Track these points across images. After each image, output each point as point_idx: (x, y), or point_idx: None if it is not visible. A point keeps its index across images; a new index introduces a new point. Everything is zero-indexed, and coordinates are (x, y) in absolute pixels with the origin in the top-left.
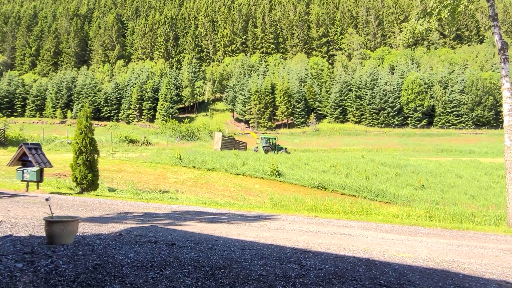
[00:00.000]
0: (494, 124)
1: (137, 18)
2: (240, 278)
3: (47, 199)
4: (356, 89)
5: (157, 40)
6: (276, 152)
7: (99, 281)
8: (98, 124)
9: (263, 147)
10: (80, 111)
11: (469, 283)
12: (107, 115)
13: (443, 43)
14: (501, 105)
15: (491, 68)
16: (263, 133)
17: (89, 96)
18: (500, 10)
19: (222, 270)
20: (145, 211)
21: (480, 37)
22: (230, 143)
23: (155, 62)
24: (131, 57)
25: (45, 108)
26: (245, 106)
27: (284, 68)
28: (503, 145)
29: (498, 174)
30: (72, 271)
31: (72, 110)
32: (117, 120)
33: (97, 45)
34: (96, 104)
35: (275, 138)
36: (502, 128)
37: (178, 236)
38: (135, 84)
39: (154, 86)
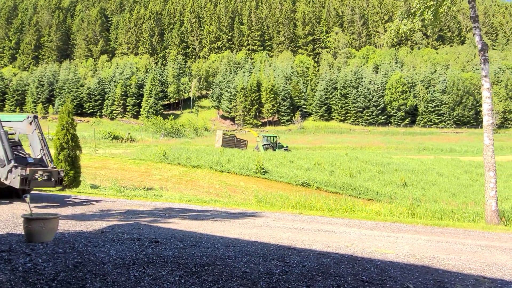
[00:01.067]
0: (474, 124)
1: (122, 13)
2: (224, 275)
3: (25, 196)
4: (341, 88)
5: (142, 35)
6: (276, 150)
7: (79, 279)
8: (80, 120)
9: (263, 145)
10: (62, 106)
11: (448, 278)
12: (90, 111)
13: (426, 44)
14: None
15: (472, 69)
16: (264, 131)
17: (72, 91)
18: (481, 12)
19: (205, 267)
20: (128, 208)
21: (462, 38)
22: (231, 141)
23: (140, 58)
24: (115, 52)
25: (26, 103)
26: (230, 103)
27: (270, 65)
28: (482, 144)
29: (477, 172)
30: (52, 270)
31: (53, 105)
32: (101, 116)
33: (80, 39)
34: (78, 99)
35: (275, 136)
36: (481, 127)
37: (162, 233)
38: (119, 79)
39: (139, 82)
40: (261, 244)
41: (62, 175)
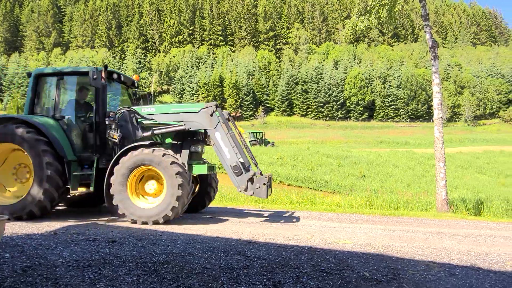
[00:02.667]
0: (427, 118)
1: (76, 3)
2: (184, 272)
3: None
4: (302, 83)
5: (98, 27)
6: (263, 146)
7: (29, 284)
8: None
9: (250, 141)
10: (10, 102)
11: (401, 265)
12: None
13: (382, 41)
14: (432, 100)
15: (424, 65)
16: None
17: (22, 86)
18: (432, 11)
19: (165, 266)
20: (85, 208)
21: (415, 36)
22: None
23: (97, 51)
24: (70, 45)
25: None
26: (193, 99)
27: (232, 61)
28: (433, 136)
29: (430, 163)
30: None
31: (2, 100)
32: None
33: (31, 31)
34: None
35: (261, 132)
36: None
37: (120, 232)
38: None
39: None
40: (222, 240)
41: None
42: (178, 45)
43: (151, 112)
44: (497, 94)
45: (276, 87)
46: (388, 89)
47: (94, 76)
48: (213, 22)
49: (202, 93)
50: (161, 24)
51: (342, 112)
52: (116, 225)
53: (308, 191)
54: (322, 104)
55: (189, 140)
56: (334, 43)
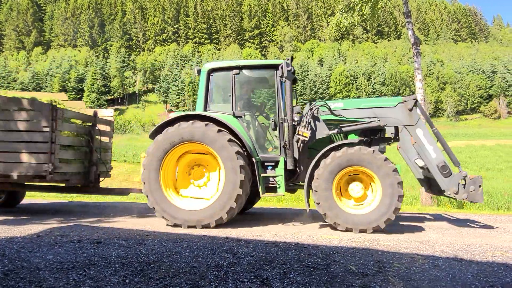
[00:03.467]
0: None
1: (56, 2)
2: (171, 271)
3: None
4: None
5: (80, 26)
6: None
7: None
8: None
9: None
10: None
11: (386, 258)
12: None
13: (366, 38)
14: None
15: (408, 62)
16: None
17: (2, 86)
18: (414, 9)
19: (151, 265)
20: (69, 210)
21: (398, 33)
22: None
23: (79, 50)
24: (51, 44)
25: None
26: (178, 98)
27: (218, 59)
28: None
29: None
30: None
31: None
32: None
33: (10, 30)
34: (9, 95)
35: None
36: None
37: (105, 233)
38: (57, 73)
39: (79, 76)
40: (210, 238)
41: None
42: (162, 43)
43: (339, 108)
44: (478, 90)
45: None
46: (372, 86)
47: (289, 68)
48: (198, 20)
49: (188, 92)
50: (145, 22)
51: None
52: (101, 226)
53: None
54: (308, 102)
55: (377, 138)
56: (319, 40)
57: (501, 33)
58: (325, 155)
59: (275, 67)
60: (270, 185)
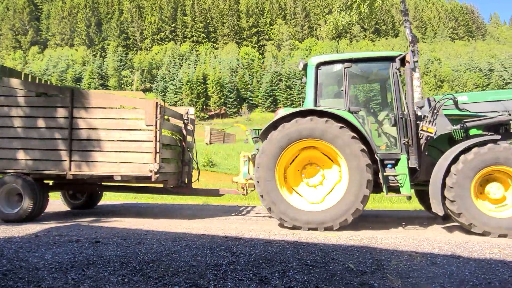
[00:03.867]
0: None
1: (53, 0)
2: (170, 270)
3: None
4: (286, 79)
5: (77, 25)
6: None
7: None
8: None
9: (252, 138)
10: None
11: (385, 256)
12: None
13: (364, 36)
14: None
15: None
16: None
17: None
18: (412, 7)
19: (150, 265)
20: (66, 210)
21: (396, 32)
22: (219, 136)
23: (76, 50)
24: (48, 43)
25: None
26: (176, 97)
27: (215, 58)
28: None
29: None
30: None
31: None
32: None
33: (6, 29)
34: None
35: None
36: None
37: (104, 233)
38: (53, 73)
39: (76, 75)
40: (208, 237)
41: None
42: (160, 42)
43: (464, 101)
44: (475, 88)
45: (260, 84)
46: None
47: (415, 59)
48: (195, 19)
49: (186, 91)
50: (142, 21)
51: None
52: (99, 225)
53: None
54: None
55: (505, 133)
56: (317, 39)
57: (498, 31)
58: (463, 152)
59: (391, 59)
60: (390, 184)
